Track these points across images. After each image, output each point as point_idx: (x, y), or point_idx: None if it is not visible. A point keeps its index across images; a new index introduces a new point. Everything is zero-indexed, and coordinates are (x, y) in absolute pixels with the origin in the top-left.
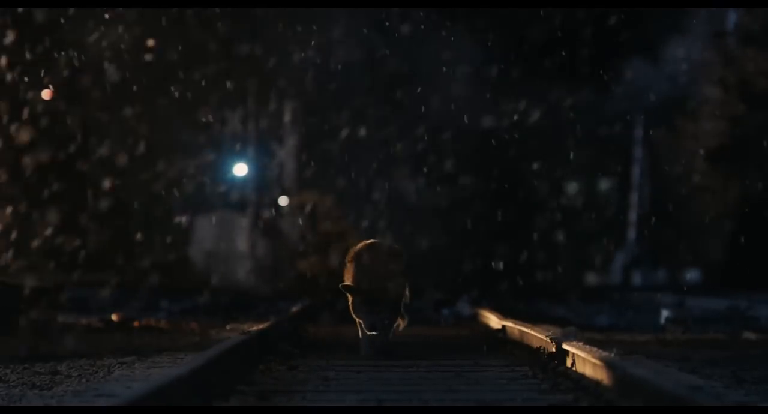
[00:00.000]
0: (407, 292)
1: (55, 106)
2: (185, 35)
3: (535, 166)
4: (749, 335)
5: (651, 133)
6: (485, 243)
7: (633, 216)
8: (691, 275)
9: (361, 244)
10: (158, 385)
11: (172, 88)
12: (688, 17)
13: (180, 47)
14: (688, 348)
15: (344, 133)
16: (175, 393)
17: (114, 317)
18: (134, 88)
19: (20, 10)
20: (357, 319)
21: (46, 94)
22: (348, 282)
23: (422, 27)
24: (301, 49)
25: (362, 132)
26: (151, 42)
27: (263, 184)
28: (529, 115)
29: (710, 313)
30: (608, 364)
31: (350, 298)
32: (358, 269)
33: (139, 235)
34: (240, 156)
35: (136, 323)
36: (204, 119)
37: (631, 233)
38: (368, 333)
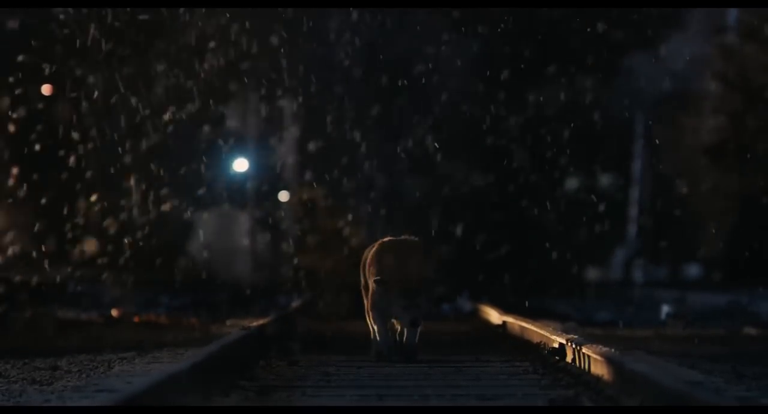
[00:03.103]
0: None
1: (54, 102)
2: (185, 29)
3: (535, 161)
4: (750, 330)
5: (651, 129)
6: (485, 238)
7: (634, 211)
8: (692, 270)
9: (383, 241)
10: (159, 381)
11: (172, 83)
12: (689, 12)
13: (180, 42)
14: (689, 343)
15: (344, 128)
16: (176, 388)
17: (114, 313)
18: (134, 82)
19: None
20: (376, 321)
21: (46, 89)
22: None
23: (422, 21)
24: (301, 44)
25: (363, 127)
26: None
27: (263, 180)
28: (530, 110)
29: (711, 308)
30: (609, 360)
31: (369, 298)
32: (387, 263)
33: (139, 230)
34: (240, 151)
35: (136, 318)
36: (204, 114)
37: (632, 228)
38: (389, 338)
